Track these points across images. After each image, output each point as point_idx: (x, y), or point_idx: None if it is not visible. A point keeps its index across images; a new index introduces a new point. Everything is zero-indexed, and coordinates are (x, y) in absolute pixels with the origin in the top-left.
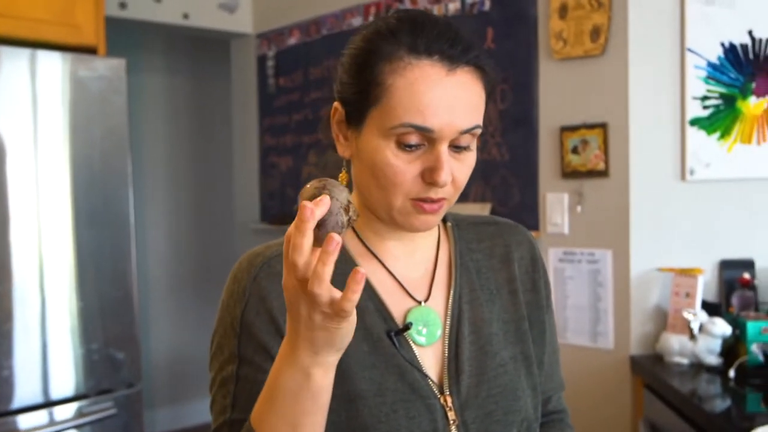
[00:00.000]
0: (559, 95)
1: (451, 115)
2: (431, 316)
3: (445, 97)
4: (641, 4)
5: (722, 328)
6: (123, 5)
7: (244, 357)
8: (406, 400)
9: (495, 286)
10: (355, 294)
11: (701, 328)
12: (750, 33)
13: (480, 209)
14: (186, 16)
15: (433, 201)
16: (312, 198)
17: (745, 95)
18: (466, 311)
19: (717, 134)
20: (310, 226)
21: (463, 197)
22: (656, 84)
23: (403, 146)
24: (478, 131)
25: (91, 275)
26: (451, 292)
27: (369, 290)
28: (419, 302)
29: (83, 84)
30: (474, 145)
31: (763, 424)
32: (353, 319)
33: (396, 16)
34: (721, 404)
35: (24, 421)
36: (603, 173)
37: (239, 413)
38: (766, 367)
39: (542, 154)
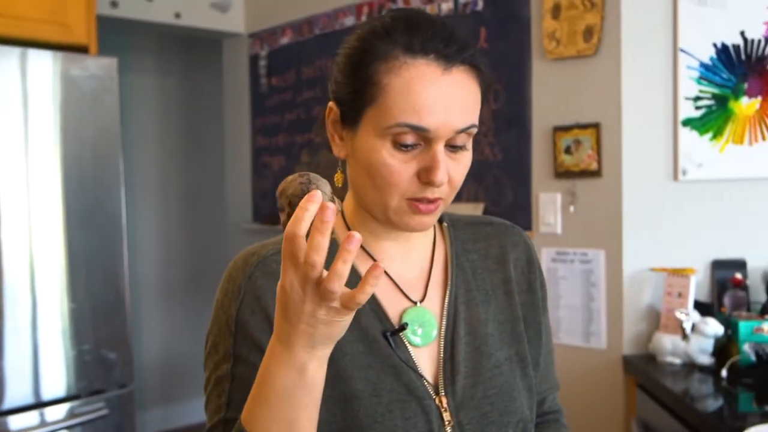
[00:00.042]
0: (552, 95)
1: (447, 114)
2: (427, 316)
3: (441, 97)
4: (634, 5)
5: (714, 328)
6: (114, 4)
7: (239, 356)
8: (401, 400)
9: (491, 286)
10: (372, 287)
11: (693, 327)
12: (742, 33)
13: (473, 209)
14: (178, 16)
15: (429, 201)
16: (299, 194)
17: (737, 96)
18: (461, 312)
19: (709, 135)
20: (330, 226)
21: (456, 197)
22: (649, 84)
23: (399, 146)
24: (474, 130)
25: (83, 276)
26: (447, 292)
27: None
28: (415, 302)
29: (74, 83)
30: (470, 145)
31: (754, 423)
32: (353, 312)
33: (391, 15)
34: (713, 404)
35: (15, 421)
36: (596, 173)
37: (234, 412)
38: (758, 366)
39: (535, 154)
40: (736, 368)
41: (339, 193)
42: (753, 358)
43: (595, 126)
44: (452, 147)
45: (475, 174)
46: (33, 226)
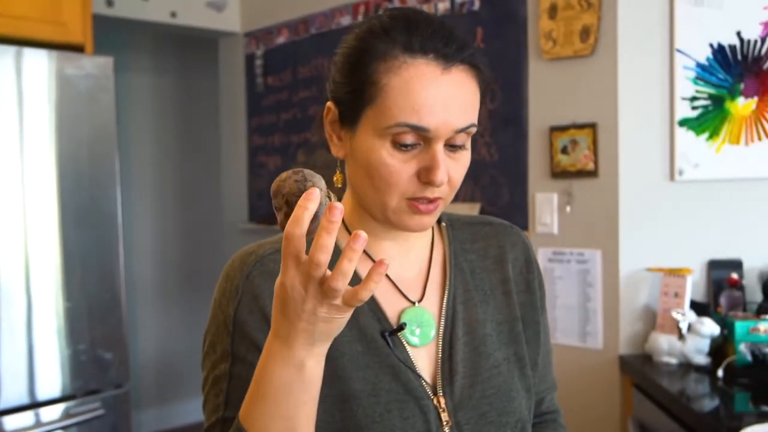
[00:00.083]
0: (548, 95)
1: (447, 114)
2: (425, 316)
3: (441, 96)
4: (631, 5)
5: (710, 328)
6: (110, 3)
7: (237, 355)
8: (400, 400)
9: (489, 286)
10: (376, 284)
11: (690, 327)
12: (738, 34)
13: (469, 209)
14: (174, 15)
15: (429, 201)
16: (296, 192)
17: (733, 96)
18: (460, 312)
19: (706, 135)
20: (338, 226)
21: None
22: (645, 84)
23: (399, 146)
24: (474, 130)
25: (78, 275)
26: (446, 292)
27: None
28: (413, 303)
29: (70, 82)
30: (469, 144)
31: (751, 423)
32: (352, 309)
33: (389, 15)
34: (709, 403)
35: (10, 422)
36: (592, 173)
37: (232, 411)
38: (754, 366)
39: (531, 154)
40: (733, 368)
41: (337, 193)
42: (749, 358)
43: (592, 126)
44: (451, 146)
45: (471, 174)
46: (28, 225)
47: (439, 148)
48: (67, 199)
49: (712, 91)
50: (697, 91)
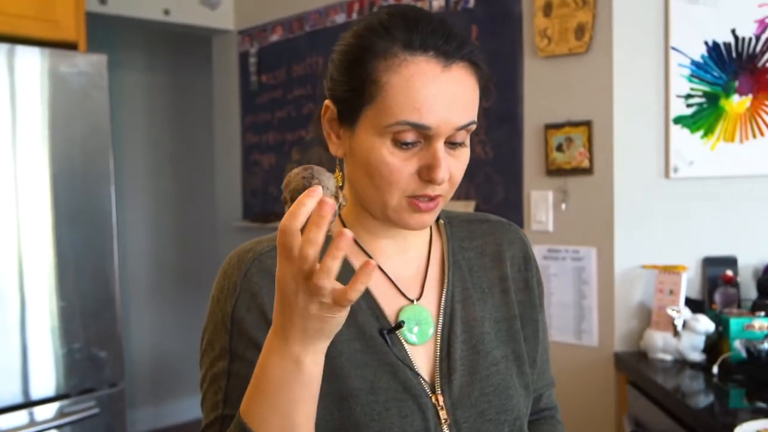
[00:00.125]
0: (543, 93)
1: (448, 111)
2: (424, 314)
3: (441, 94)
4: (626, 3)
5: (705, 324)
6: (103, 1)
7: (236, 353)
8: (398, 398)
9: (487, 284)
10: (363, 285)
11: (685, 324)
12: (733, 31)
13: (464, 207)
14: (167, 12)
15: (430, 198)
16: (301, 188)
17: (728, 93)
18: (458, 310)
19: (700, 132)
20: (329, 221)
21: None
22: (640, 82)
23: (399, 144)
24: (474, 127)
25: (72, 274)
26: (444, 290)
27: None
28: (412, 301)
29: (64, 80)
30: (468, 141)
31: (745, 419)
32: (347, 309)
33: (388, 12)
34: (704, 400)
35: (3, 421)
36: (587, 171)
37: (231, 409)
38: (748, 363)
39: (527, 151)
40: (727, 365)
41: None
42: (744, 354)
43: (587, 124)
44: (452, 144)
45: (466, 171)
46: (21, 224)
47: (440, 145)
48: (61, 197)
49: (706, 88)
50: (692, 89)
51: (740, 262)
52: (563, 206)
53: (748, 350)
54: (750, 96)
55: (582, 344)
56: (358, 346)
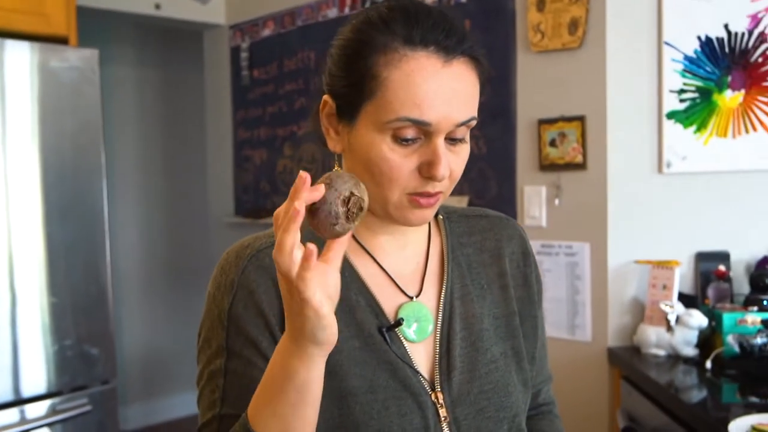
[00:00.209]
0: (537, 88)
1: (448, 107)
2: (423, 311)
3: (442, 90)
4: None
5: (699, 319)
6: None
7: (233, 350)
8: (397, 397)
9: (486, 281)
10: (306, 271)
11: (678, 319)
12: (726, 27)
13: (457, 202)
14: (158, 7)
15: (430, 195)
16: None
17: (721, 89)
18: (457, 307)
19: (693, 127)
20: (294, 225)
21: None
22: (633, 77)
23: (400, 140)
24: (474, 123)
25: (63, 270)
26: (443, 287)
27: (361, 286)
28: (411, 298)
29: (54, 75)
30: (468, 137)
31: (738, 414)
32: (323, 312)
33: (387, 5)
34: (697, 395)
35: None
36: (581, 166)
37: (229, 408)
38: (741, 358)
39: (520, 146)
40: (720, 360)
41: None
42: (737, 349)
43: (580, 119)
44: (452, 140)
45: None
46: (11, 220)
47: (441, 142)
48: (52, 193)
49: (699, 83)
50: (685, 84)
51: (733, 257)
52: (556, 201)
53: (740, 345)
54: (743, 91)
55: (575, 339)
56: (357, 343)
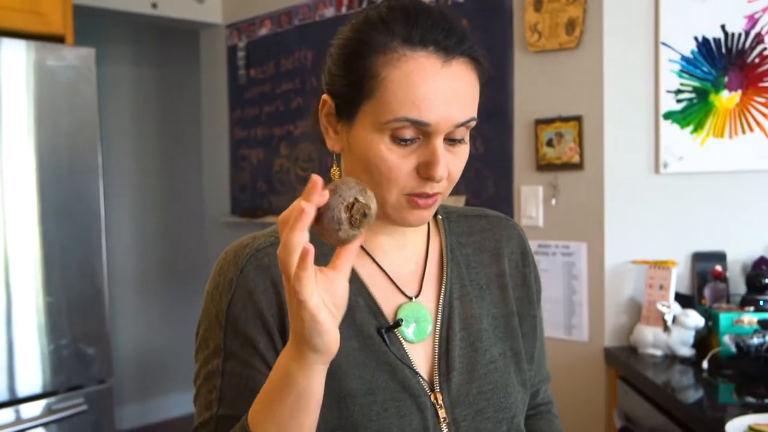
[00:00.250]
0: (534, 88)
1: (447, 108)
2: (422, 312)
3: (441, 90)
4: None
5: (695, 319)
6: None
7: (230, 351)
8: (396, 398)
9: (485, 281)
10: (302, 271)
11: (674, 319)
12: (723, 27)
13: (454, 202)
14: (155, 6)
15: (428, 196)
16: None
17: (717, 89)
18: (456, 307)
19: (690, 128)
20: (300, 226)
21: None
22: (631, 77)
23: (398, 140)
24: (473, 123)
25: (59, 269)
26: (443, 288)
27: (360, 286)
28: (410, 298)
29: (51, 74)
30: (467, 137)
31: (734, 414)
32: (319, 317)
33: (387, 5)
34: (694, 395)
35: None
36: (578, 166)
37: (226, 409)
38: (738, 358)
39: (517, 146)
40: (717, 360)
41: None
42: (733, 349)
43: (577, 119)
44: (451, 140)
45: None
46: (7, 219)
47: (439, 143)
48: (48, 192)
49: (696, 84)
50: (682, 84)
51: (729, 258)
52: (553, 201)
53: (737, 345)
54: (739, 91)
55: (572, 339)
56: (356, 344)
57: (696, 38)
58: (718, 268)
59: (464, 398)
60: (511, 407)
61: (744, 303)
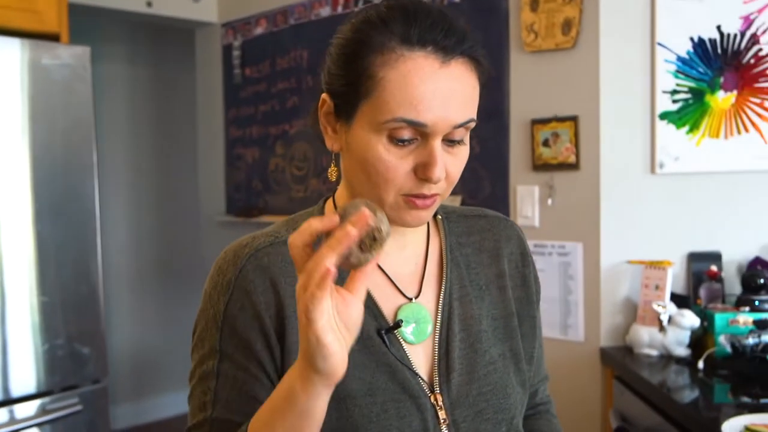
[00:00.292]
0: (530, 88)
1: (446, 109)
2: (422, 313)
3: (439, 91)
4: None
5: (691, 320)
6: None
7: (225, 352)
8: (396, 399)
9: (484, 281)
10: (319, 290)
11: (670, 320)
12: (719, 28)
13: (450, 202)
14: (149, 4)
15: (425, 197)
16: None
17: (713, 90)
18: (456, 308)
19: (686, 128)
20: (341, 247)
21: None
22: (627, 78)
23: (396, 141)
24: (473, 124)
25: (54, 268)
26: (442, 288)
27: None
28: (410, 299)
29: (46, 72)
30: (467, 139)
31: (730, 414)
32: (324, 340)
33: (386, 4)
34: (689, 395)
35: None
36: (573, 166)
37: (220, 412)
38: (733, 358)
39: (513, 146)
40: (712, 360)
41: (332, 186)
42: (729, 349)
43: (573, 119)
44: (450, 141)
45: None
46: (1, 217)
47: (437, 143)
48: (42, 190)
49: (692, 84)
50: (678, 85)
51: (725, 258)
52: (549, 201)
53: (732, 345)
54: (735, 92)
55: (568, 339)
56: (355, 345)
57: (692, 39)
58: (714, 268)
59: (464, 399)
60: (511, 408)
61: (739, 303)
